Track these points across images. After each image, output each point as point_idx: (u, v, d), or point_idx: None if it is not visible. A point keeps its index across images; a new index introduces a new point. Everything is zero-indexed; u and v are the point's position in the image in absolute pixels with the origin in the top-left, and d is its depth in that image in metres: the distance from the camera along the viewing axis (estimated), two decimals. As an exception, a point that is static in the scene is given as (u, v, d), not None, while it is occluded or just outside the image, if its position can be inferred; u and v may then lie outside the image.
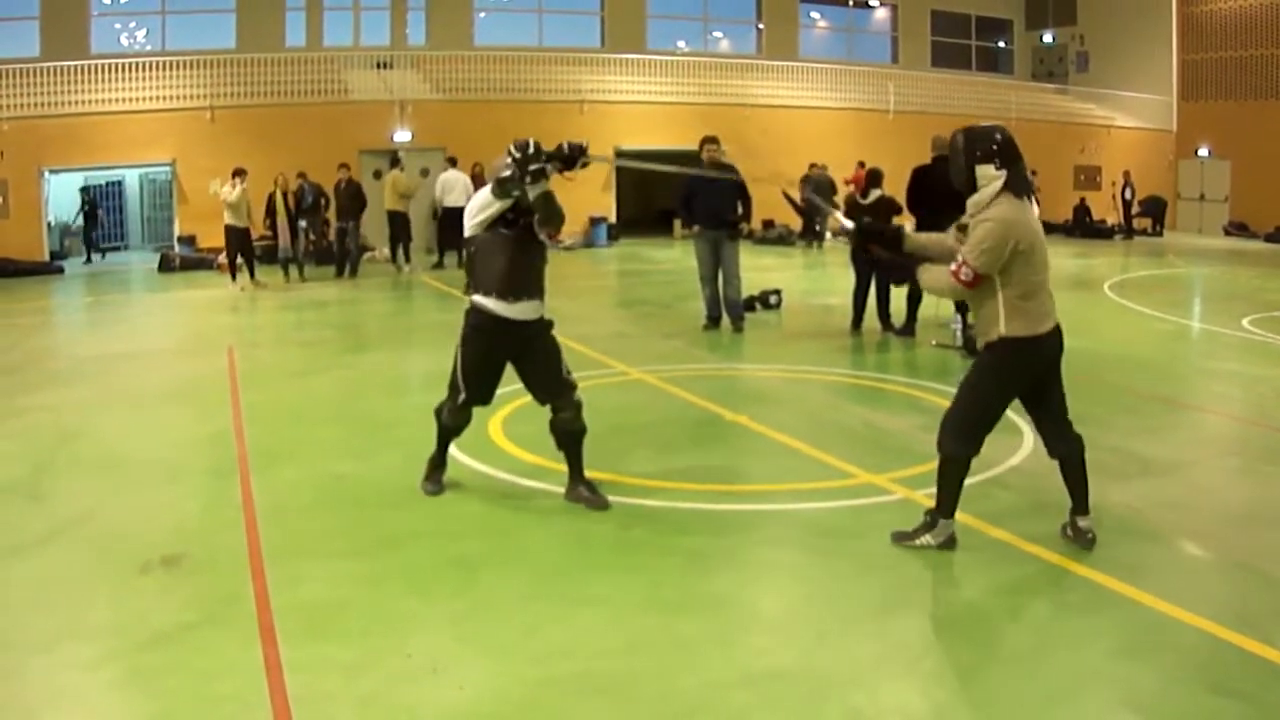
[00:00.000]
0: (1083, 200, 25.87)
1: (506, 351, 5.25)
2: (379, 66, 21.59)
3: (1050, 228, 21.89)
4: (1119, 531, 4.90)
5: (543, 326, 5.25)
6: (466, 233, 5.15)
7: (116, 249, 21.82)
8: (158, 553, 4.67)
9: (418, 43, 23.36)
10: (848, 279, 10.94)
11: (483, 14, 24.58)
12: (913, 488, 5.44)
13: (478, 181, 15.54)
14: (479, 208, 5.07)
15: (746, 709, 3.38)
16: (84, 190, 19.68)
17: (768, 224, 22.14)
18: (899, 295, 10.33)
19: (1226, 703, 3.37)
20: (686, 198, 10.71)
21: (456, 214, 5.31)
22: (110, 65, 19.63)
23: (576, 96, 22.06)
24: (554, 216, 5.01)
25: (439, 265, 17.51)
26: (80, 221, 20.09)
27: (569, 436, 5.30)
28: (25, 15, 20.55)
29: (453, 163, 17.98)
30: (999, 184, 4.40)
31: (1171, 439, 6.81)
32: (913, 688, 3.53)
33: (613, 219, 22.56)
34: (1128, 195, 25.60)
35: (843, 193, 16.99)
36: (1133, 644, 3.77)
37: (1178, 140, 28.15)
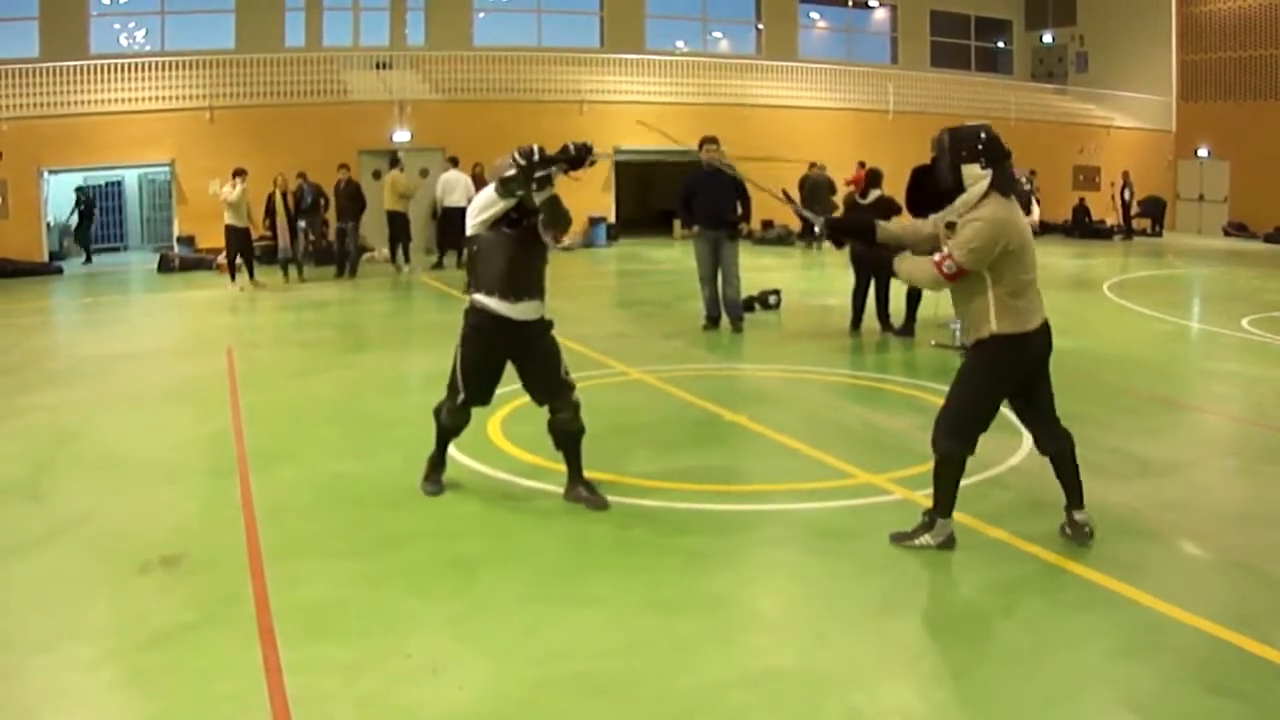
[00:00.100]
0: (1082, 200, 25.87)
1: (506, 351, 5.25)
2: (378, 67, 21.59)
3: (1049, 228, 21.94)
4: (1118, 531, 4.91)
5: (543, 327, 5.25)
6: (469, 231, 5.15)
7: (116, 249, 21.84)
8: (157, 553, 4.67)
9: (417, 43, 23.35)
10: (847, 279, 10.94)
11: (482, 14, 24.58)
12: (912, 488, 5.44)
13: (478, 182, 15.56)
14: (482, 207, 5.06)
15: (746, 709, 3.38)
16: (79, 190, 19.64)
17: (767, 224, 22.17)
18: (898, 295, 10.33)
19: (1225, 702, 3.37)
20: (686, 198, 10.71)
21: (457, 214, 5.33)
22: (109, 65, 19.62)
23: (576, 97, 22.06)
24: (561, 219, 5.02)
25: (439, 265, 17.50)
26: (74, 220, 20.00)
27: (567, 437, 5.31)
28: (24, 15, 20.54)
29: (454, 163, 17.97)
30: (985, 183, 4.40)
31: (1171, 439, 6.81)
32: (912, 688, 3.53)
33: (612, 219, 22.56)
34: (1127, 196, 25.58)
35: (843, 192, 16.98)
36: (1132, 644, 3.78)
37: (1177, 141, 28.15)
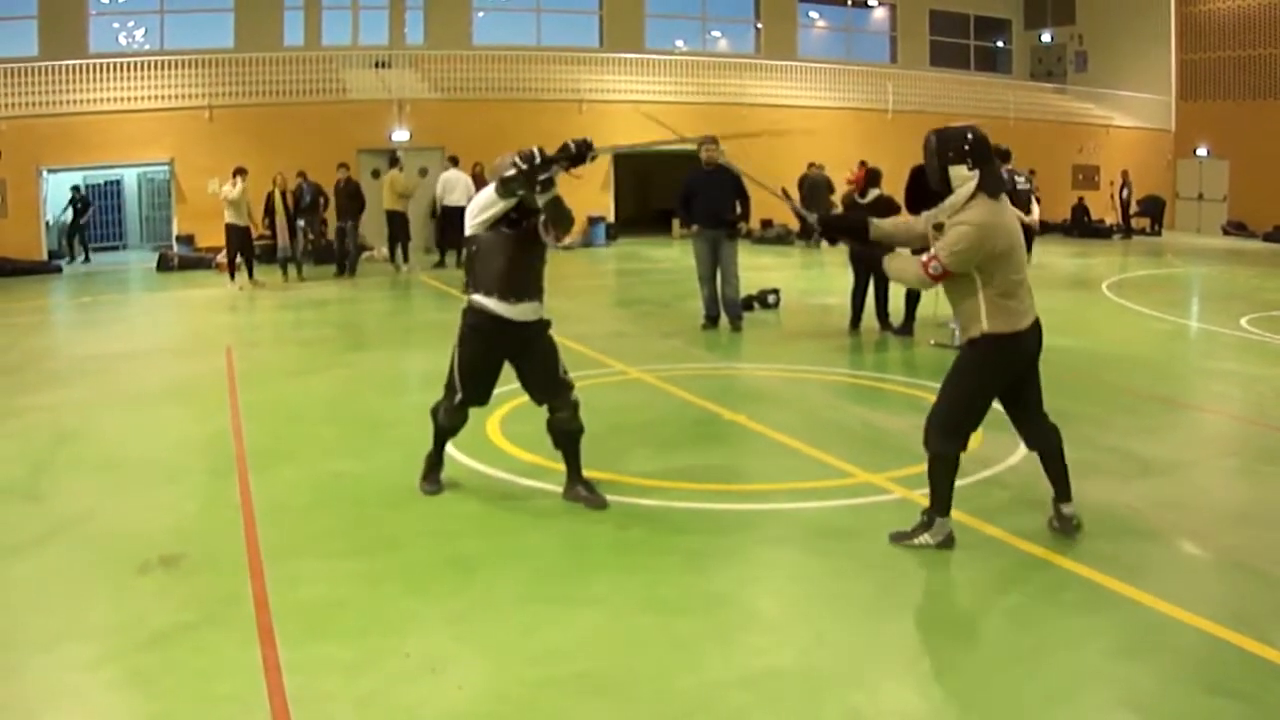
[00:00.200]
0: (1081, 200, 25.88)
1: (504, 352, 5.25)
2: (377, 66, 21.58)
3: (1048, 227, 21.92)
4: (1118, 531, 4.91)
5: (541, 327, 5.25)
6: (468, 231, 5.14)
7: (115, 248, 21.84)
8: (156, 553, 4.67)
9: (416, 42, 23.34)
10: (846, 278, 10.94)
11: (481, 13, 24.57)
12: (911, 487, 5.43)
13: (478, 181, 15.55)
14: (482, 207, 5.06)
15: (745, 709, 3.38)
16: (75, 189, 19.62)
17: (766, 223, 22.17)
18: (897, 295, 10.33)
19: (1225, 702, 3.37)
20: (685, 197, 10.71)
21: (457, 213, 5.32)
22: (108, 65, 19.61)
23: (575, 96, 22.05)
24: (564, 220, 5.01)
25: (440, 264, 17.50)
26: (67, 216, 19.92)
27: (566, 436, 5.30)
28: (23, 14, 20.53)
29: (454, 162, 17.97)
30: (973, 185, 4.41)
31: (1170, 439, 6.81)
32: (911, 687, 3.53)
33: (611, 218, 22.57)
34: (1126, 195, 25.61)
35: (842, 191, 16.98)
36: (1131, 644, 3.78)
37: (1176, 140, 28.16)
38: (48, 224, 19.56)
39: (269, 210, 15.68)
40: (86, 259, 19.68)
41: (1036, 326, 4.60)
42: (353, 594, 4.28)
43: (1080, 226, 25.04)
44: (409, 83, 21.21)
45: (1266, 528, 5.05)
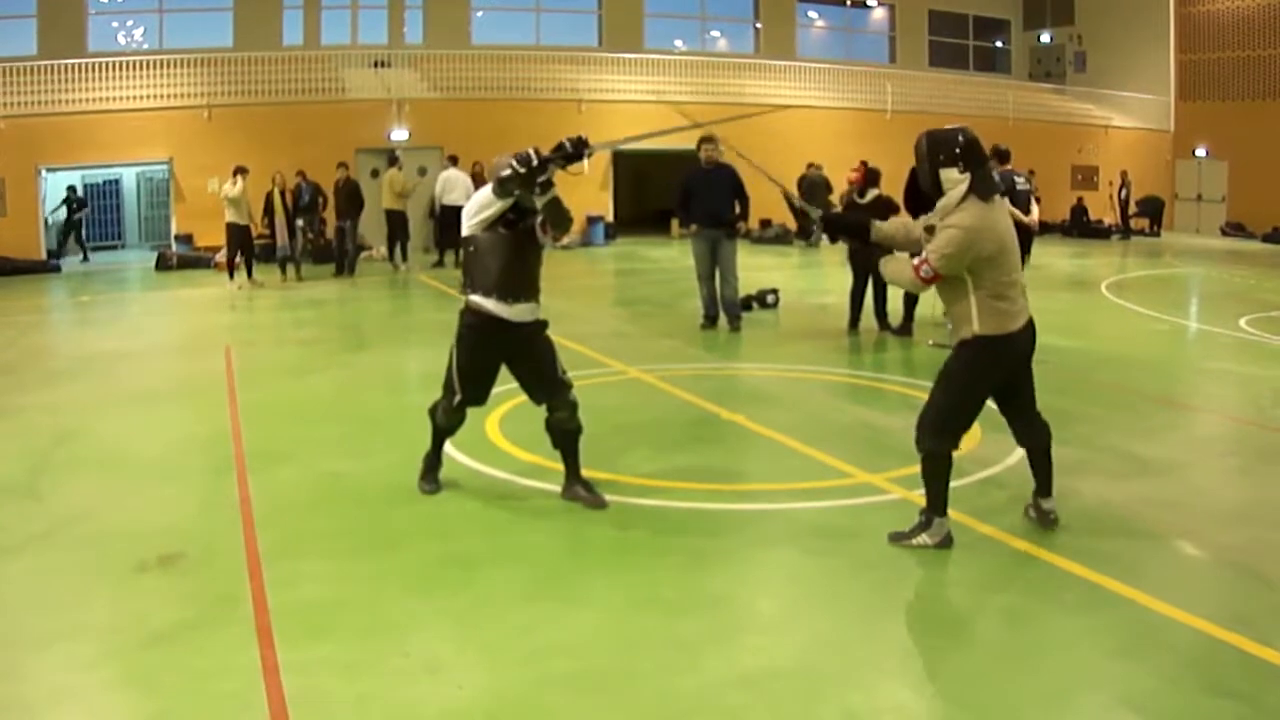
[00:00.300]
0: (1080, 200, 25.89)
1: (502, 352, 5.25)
2: (376, 65, 21.57)
3: (1047, 228, 21.94)
4: (1116, 531, 4.92)
5: (539, 327, 5.25)
6: (465, 232, 5.14)
7: (114, 247, 21.83)
8: (155, 552, 4.67)
9: (415, 41, 23.33)
10: (845, 278, 10.94)
11: (480, 13, 24.56)
12: (909, 487, 5.43)
13: (478, 181, 15.55)
14: (479, 207, 5.06)
15: (744, 708, 3.38)
16: (70, 189, 19.58)
17: (765, 223, 22.16)
18: (896, 295, 10.34)
19: (1223, 703, 3.37)
20: (684, 197, 10.71)
21: (456, 213, 5.31)
22: (107, 64, 19.60)
23: (574, 95, 22.05)
24: (563, 221, 5.02)
25: (439, 264, 17.50)
26: (61, 215, 19.83)
27: (565, 436, 5.31)
28: (22, 13, 20.52)
29: (454, 161, 17.97)
30: (964, 187, 4.42)
31: (1169, 439, 6.82)
32: (909, 687, 3.54)
33: (610, 218, 22.57)
34: (1125, 195, 25.62)
35: (839, 191, 16.98)
36: (1129, 643, 3.78)
37: (1175, 140, 28.19)
38: (47, 223, 19.54)
39: (268, 210, 15.68)
40: (85, 258, 19.64)
41: (1030, 327, 4.62)
42: (352, 593, 4.28)
43: (1079, 227, 25.05)
44: (408, 82, 21.20)
45: (1265, 528, 5.05)
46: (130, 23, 22.55)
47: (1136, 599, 4.14)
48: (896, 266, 4.71)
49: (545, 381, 5.27)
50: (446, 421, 5.41)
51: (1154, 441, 6.60)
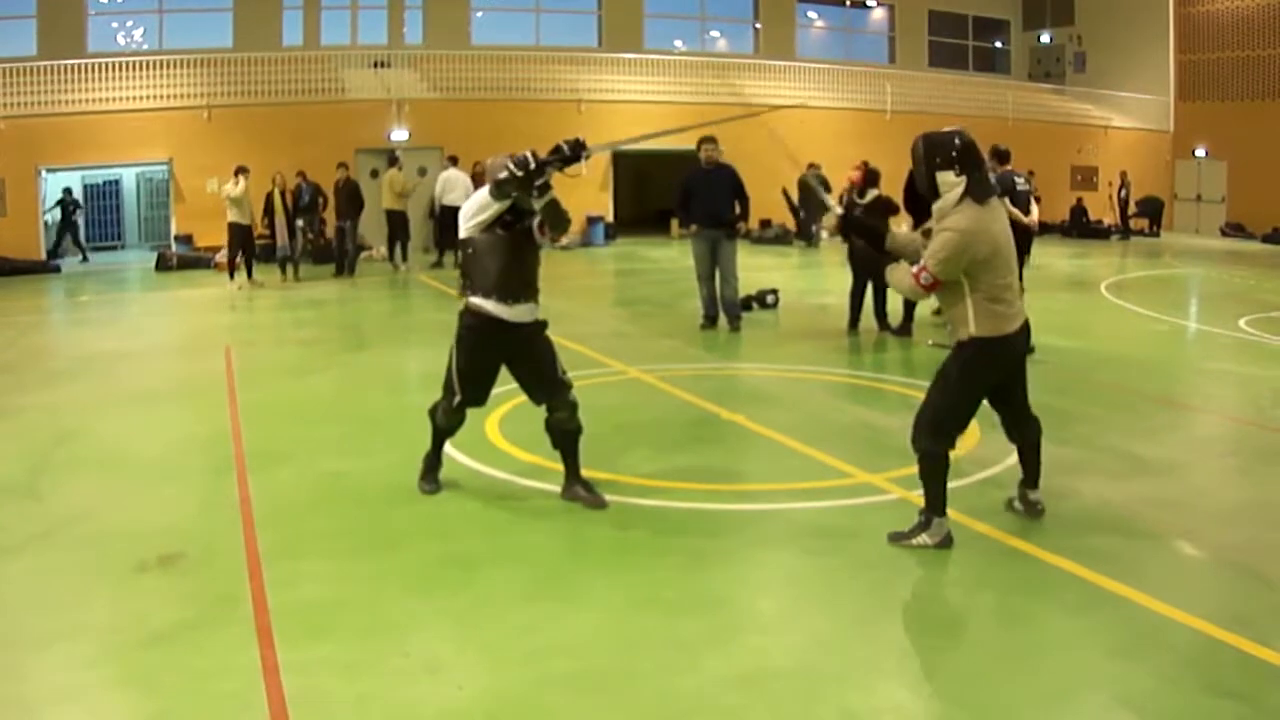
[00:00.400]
0: (1080, 201, 25.89)
1: (502, 353, 5.25)
2: (376, 65, 21.58)
3: (1047, 228, 21.94)
4: (1115, 531, 4.92)
5: (538, 327, 5.26)
6: (462, 234, 5.14)
7: (113, 247, 21.83)
8: (155, 552, 4.67)
9: (415, 42, 23.33)
10: (844, 279, 10.95)
11: (480, 13, 24.57)
12: (909, 488, 5.43)
13: (478, 181, 15.54)
14: (477, 209, 5.06)
15: (743, 708, 3.39)
16: (66, 190, 19.56)
17: (765, 223, 22.16)
18: (895, 295, 10.33)
19: (1223, 703, 3.38)
20: (684, 197, 10.71)
21: (456, 213, 5.32)
22: (107, 64, 19.60)
23: (574, 96, 22.06)
24: (561, 222, 5.03)
25: (438, 264, 17.50)
26: (56, 216, 19.80)
27: (565, 436, 5.31)
28: (22, 14, 20.52)
29: (454, 161, 17.97)
30: (959, 190, 4.43)
31: (1168, 439, 6.82)
32: (908, 687, 3.54)
33: (610, 218, 22.57)
34: (1124, 196, 25.62)
35: (839, 190, 16.97)
36: (1128, 643, 3.78)
37: (1175, 141, 28.19)
38: (47, 223, 19.54)
39: (268, 210, 15.69)
40: (84, 259, 19.63)
41: (1025, 328, 4.65)
42: (352, 593, 4.28)
43: (1079, 227, 25.05)
44: (408, 82, 21.20)
45: (1264, 528, 5.06)
46: (130, 23, 22.56)
47: (1136, 599, 4.14)
48: (900, 275, 4.74)
49: (545, 382, 5.28)
50: (446, 422, 5.41)
51: (1154, 441, 6.61)
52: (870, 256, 8.20)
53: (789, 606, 4.30)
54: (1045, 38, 30.55)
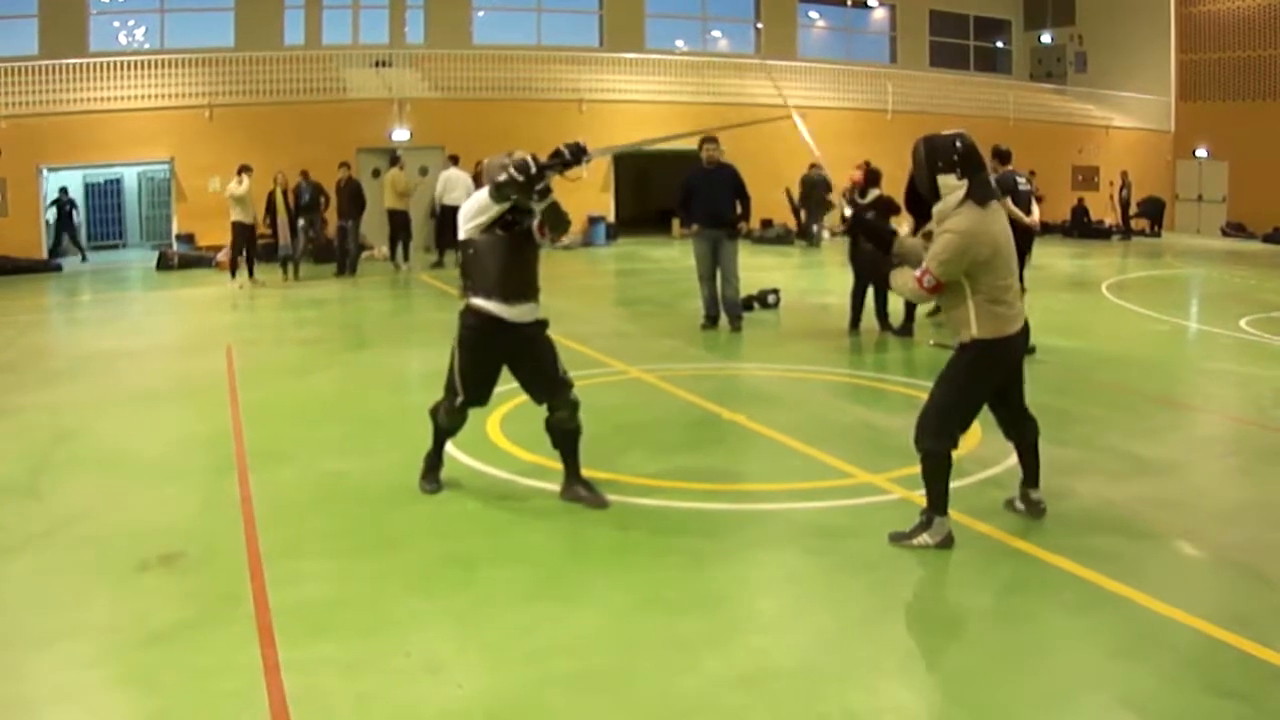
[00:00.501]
0: (1081, 201, 25.88)
1: (504, 353, 5.25)
2: (377, 65, 21.58)
3: (1048, 228, 21.94)
4: (1116, 531, 4.92)
5: (539, 327, 5.26)
6: (462, 235, 5.15)
7: (115, 247, 21.84)
8: (156, 551, 4.67)
9: (416, 41, 23.35)
10: (845, 279, 10.95)
11: (481, 13, 24.58)
12: (910, 488, 5.43)
13: (479, 181, 15.53)
14: (476, 210, 5.06)
15: (743, 708, 3.39)
16: (62, 190, 19.54)
17: (766, 223, 22.15)
18: (896, 296, 10.33)
19: (1224, 703, 3.37)
20: (685, 197, 10.71)
21: (457, 212, 5.33)
22: (109, 63, 19.61)
23: (575, 95, 22.06)
24: (561, 224, 5.05)
25: (439, 264, 17.50)
26: (52, 216, 19.75)
27: (565, 435, 5.31)
28: (24, 13, 20.54)
29: (455, 161, 17.97)
30: (960, 193, 4.45)
31: (1169, 439, 6.82)
32: (909, 687, 3.54)
33: (611, 218, 22.57)
34: (1125, 196, 25.61)
35: (840, 190, 16.98)
36: (1129, 643, 3.78)
37: (1176, 141, 28.18)
38: (48, 223, 19.54)
39: (270, 209, 15.71)
40: (84, 258, 19.63)
41: (1025, 329, 4.69)
42: (353, 593, 4.28)
43: (1080, 227, 25.04)
44: (409, 82, 21.21)
45: (1265, 528, 5.06)
46: (131, 22, 22.58)
47: (1136, 599, 4.14)
48: (903, 278, 4.76)
49: (546, 381, 5.28)
50: (448, 422, 5.42)
51: (1154, 441, 6.61)
52: (872, 257, 8.22)
53: (790, 606, 4.30)
54: (1046, 38, 30.54)
